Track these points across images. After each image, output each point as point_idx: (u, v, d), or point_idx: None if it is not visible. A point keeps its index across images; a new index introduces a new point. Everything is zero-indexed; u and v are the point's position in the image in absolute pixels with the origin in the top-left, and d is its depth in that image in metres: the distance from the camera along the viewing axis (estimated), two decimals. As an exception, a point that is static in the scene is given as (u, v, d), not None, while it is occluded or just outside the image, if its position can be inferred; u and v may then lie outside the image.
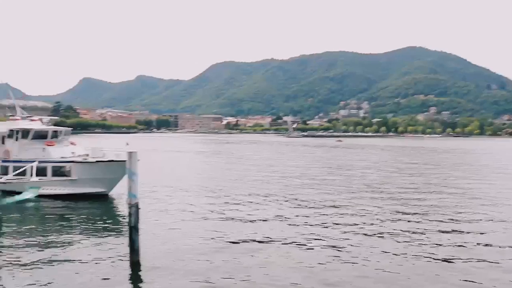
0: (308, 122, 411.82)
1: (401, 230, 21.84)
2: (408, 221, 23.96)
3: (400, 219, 24.49)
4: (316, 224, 22.95)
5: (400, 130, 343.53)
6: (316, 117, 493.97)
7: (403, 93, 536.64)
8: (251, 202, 29.71)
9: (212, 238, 20.00)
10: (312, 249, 18.43)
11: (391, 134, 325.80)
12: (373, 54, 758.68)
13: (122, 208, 26.47)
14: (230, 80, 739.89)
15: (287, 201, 30.09)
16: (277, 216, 25.09)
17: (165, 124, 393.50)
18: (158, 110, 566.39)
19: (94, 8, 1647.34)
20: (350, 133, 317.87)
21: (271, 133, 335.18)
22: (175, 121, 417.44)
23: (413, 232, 21.39)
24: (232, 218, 24.40)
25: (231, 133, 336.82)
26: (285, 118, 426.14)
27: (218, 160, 69.59)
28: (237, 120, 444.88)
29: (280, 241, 19.57)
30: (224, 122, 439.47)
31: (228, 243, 19.29)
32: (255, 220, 23.94)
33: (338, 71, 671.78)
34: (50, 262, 16.55)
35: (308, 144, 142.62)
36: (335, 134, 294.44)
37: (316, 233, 21.08)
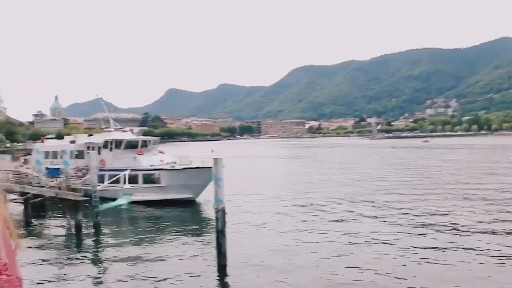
0: (392, 123, 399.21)
1: (497, 232, 20.59)
2: (504, 223, 22.54)
3: (495, 221, 23.09)
4: (404, 225, 22.22)
5: (494, 127, 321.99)
6: (401, 117, 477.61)
7: (496, 88, 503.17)
8: (336, 204, 29.41)
9: (297, 241, 20.07)
10: (402, 254, 17.84)
11: (483, 132, 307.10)
12: (460, 49, 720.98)
13: (209, 213, 27.19)
14: (311, 84, 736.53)
15: (372, 204, 29.41)
16: (363, 218, 24.63)
17: (248, 131, 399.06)
18: (240, 116, 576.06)
19: (175, 22, 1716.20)
20: (438, 133, 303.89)
21: (355, 136, 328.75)
22: (257, 127, 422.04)
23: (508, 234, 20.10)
24: (317, 221, 24.31)
25: (314, 137, 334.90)
26: (368, 120, 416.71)
27: (301, 164, 69.56)
28: (319, 124, 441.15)
29: (368, 243, 19.21)
30: (307, 126, 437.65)
31: (314, 244, 19.27)
32: (341, 221, 23.70)
33: (422, 69, 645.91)
34: (142, 262, 17.51)
35: (393, 146, 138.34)
36: (421, 134, 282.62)
37: (405, 232, 20.42)
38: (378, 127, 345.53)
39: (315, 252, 18.26)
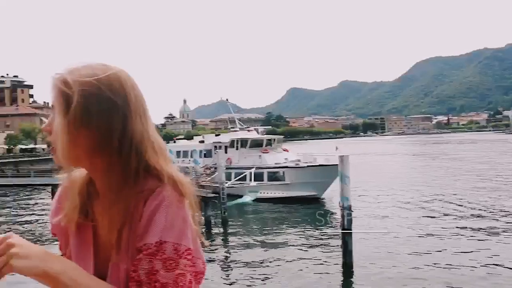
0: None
1: None
2: None
3: None
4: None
5: None
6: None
7: None
8: (470, 202, 27.39)
9: (425, 239, 19.26)
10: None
11: None
12: None
13: (334, 211, 26.87)
14: (438, 77, 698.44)
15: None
16: (499, 216, 22.60)
17: (371, 128, 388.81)
18: (363, 113, 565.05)
19: (297, 22, 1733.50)
20: None
21: (489, 131, 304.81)
22: (381, 124, 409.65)
23: None
24: (447, 218, 23.05)
25: (442, 133, 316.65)
26: (505, 113, 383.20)
27: (428, 163, 66.03)
28: (448, 119, 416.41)
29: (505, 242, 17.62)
30: (434, 121, 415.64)
31: (444, 241, 18.40)
32: (474, 218, 22.02)
33: None
34: (267, 255, 18.08)
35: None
36: None
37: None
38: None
39: (445, 249, 17.37)
